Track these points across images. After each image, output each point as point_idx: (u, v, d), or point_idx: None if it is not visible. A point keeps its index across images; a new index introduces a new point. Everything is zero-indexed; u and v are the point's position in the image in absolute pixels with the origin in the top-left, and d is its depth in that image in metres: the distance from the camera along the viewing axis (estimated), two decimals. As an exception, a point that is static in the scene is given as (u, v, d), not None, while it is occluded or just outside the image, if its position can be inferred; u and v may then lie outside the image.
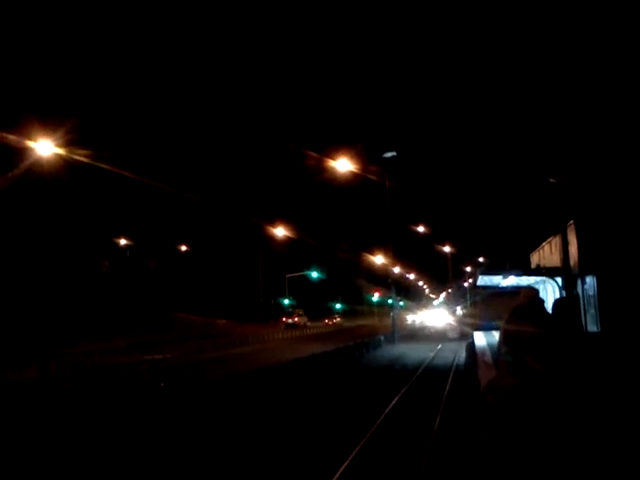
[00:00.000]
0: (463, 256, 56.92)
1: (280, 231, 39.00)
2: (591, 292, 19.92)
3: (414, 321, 63.16)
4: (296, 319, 51.92)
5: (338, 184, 32.16)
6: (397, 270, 55.96)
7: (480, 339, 23.61)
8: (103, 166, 22.24)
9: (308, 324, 53.63)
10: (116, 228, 38.51)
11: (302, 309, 54.90)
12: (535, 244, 30.36)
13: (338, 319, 64.53)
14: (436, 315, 64.24)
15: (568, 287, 18.01)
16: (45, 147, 17.98)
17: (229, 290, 44.37)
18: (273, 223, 39.35)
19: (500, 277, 24.04)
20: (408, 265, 62.25)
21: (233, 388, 15.63)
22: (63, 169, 21.35)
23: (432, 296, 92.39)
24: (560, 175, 18.15)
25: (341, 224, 49.49)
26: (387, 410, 12.77)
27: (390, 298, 56.82)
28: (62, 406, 14.69)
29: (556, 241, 22.98)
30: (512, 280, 23.55)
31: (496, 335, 22.20)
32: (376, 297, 63.40)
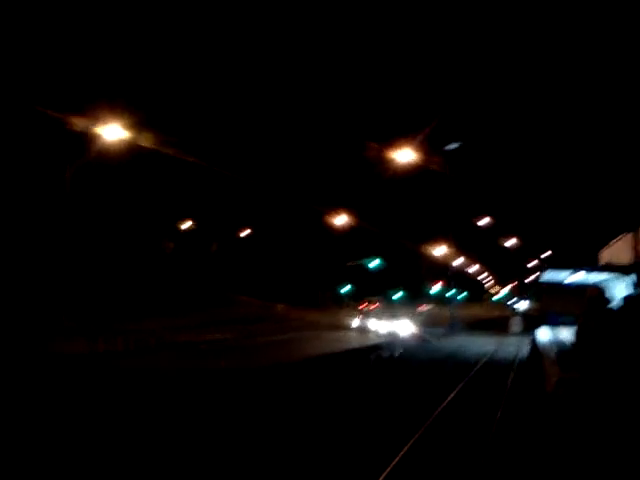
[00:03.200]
0: (527, 251, 55.57)
1: (341, 219, 38.96)
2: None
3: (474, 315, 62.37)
4: (371, 307, 51.67)
5: (401, 174, 31.80)
6: (458, 263, 55.12)
7: (545, 334, 23.07)
8: (169, 151, 22.55)
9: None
10: (180, 212, 39.23)
11: (377, 297, 54.10)
12: (604, 241, 29.36)
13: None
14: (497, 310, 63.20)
15: (641, 285, 17.35)
16: (112, 132, 18.31)
17: (288, 275, 44.68)
18: (334, 211, 39.30)
19: (567, 273, 23.37)
20: (469, 258, 61.21)
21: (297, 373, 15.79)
22: (130, 153, 21.74)
23: (492, 291, 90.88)
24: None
25: (402, 215, 49.02)
26: (440, 408, 12.51)
27: (449, 291, 56.14)
28: (126, 381, 15.01)
29: (628, 238, 22.16)
30: (579, 277, 22.85)
31: (561, 331, 21.72)
32: (435, 289, 62.65)
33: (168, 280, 34.61)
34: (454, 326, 40.94)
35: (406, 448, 8.88)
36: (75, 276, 24.64)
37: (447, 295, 55.33)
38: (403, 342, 26.28)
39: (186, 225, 40.40)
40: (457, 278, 53.88)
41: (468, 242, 54.01)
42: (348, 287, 53.71)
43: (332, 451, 8.96)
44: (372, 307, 51.02)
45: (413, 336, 30.24)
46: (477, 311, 62.33)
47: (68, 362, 17.69)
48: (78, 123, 17.85)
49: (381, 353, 23.48)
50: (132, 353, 21.48)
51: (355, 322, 36.65)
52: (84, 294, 26.51)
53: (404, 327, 32.42)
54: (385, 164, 29.85)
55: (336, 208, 39.83)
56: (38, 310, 22.43)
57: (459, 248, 51.65)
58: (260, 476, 7.91)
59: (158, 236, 37.10)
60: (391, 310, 42.30)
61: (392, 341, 26.41)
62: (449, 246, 48.14)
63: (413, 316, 40.25)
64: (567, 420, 9.36)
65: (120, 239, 31.93)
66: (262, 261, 43.54)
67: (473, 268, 67.89)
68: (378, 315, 34.31)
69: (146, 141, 21.58)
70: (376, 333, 31.65)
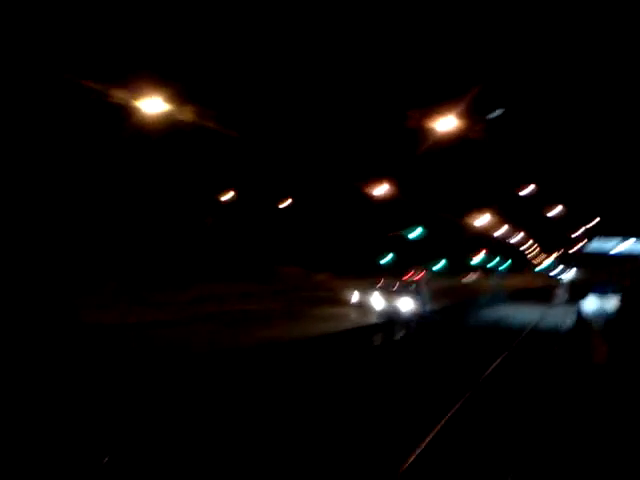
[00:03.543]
0: (573, 220, 54.38)
1: (381, 189, 38.67)
2: None
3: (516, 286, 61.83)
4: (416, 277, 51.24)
5: (443, 143, 31.31)
6: (501, 232, 54.43)
7: (590, 304, 22.69)
8: (209, 125, 22.56)
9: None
10: (222, 183, 39.45)
11: (421, 266, 53.41)
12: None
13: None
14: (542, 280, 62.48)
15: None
16: (153, 105, 18.34)
17: (330, 245, 44.75)
18: (375, 181, 39.04)
19: (614, 242, 22.92)
20: (513, 228, 60.31)
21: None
22: (172, 126, 21.81)
23: (536, 261, 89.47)
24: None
25: (444, 184, 48.40)
26: (486, 374, 12.51)
27: (492, 261, 55.64)
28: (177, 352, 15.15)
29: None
30: (626, 246, 22.38)
31: (607, 300, 21.32)
32: (477, 260, 62.08)
33: (210, 251, 35.01)
34: (497, 296, 40.60)
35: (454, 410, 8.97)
36: (114, 248, 24.99)
37: (490, 265, 54.87)
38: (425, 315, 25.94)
39: (227, 197, 40.67)
40: (500, 247, 53.28)
41: (512, 211, 53.15)
42: (390, 257, 53.50)
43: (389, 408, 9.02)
44: (417, 277, 50.65)
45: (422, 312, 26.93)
46: (520, 281, 61.64)
47: (103, 332, 17.43)
48: (118, 95, 17.94)
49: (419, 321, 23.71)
50: (181, 323, 21.45)
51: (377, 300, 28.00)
52: (124, 265, 26.90)
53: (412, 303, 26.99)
54: (426, 133, 29.44)
55: (377, 178, 39.58)
56: (77, 280, 22.36)
57: (503, 217, 50.95)
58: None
59: (200, 208, 37.46)
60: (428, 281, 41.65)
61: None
62: (492, 215, 47.52)
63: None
64: (614, 390, 9.23)
65: (161, 210, 32.32)
66: (304, 231, 43.69)
67: (516, 237, 66.91)
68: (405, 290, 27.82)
69: (187, 114, 21.66)
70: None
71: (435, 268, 56.11)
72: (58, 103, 21.05)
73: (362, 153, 40.24)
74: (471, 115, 28.33)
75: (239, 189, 40.42)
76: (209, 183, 36.12)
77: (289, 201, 43.30)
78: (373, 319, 24.11)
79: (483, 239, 54.05)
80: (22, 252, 20.44)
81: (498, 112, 34.26)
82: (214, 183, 37.75)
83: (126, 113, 19.13)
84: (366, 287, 29.30)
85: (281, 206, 44.35)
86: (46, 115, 21.14)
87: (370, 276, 33.51)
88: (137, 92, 18.45)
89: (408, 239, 53.19)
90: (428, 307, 27.73)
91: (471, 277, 56.11)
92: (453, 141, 30.58)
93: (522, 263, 78.17)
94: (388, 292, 26.95)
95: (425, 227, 51.55)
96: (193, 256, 33.45)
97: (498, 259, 51.37)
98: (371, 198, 40.92)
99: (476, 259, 61.28)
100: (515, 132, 34.57)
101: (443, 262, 57.85)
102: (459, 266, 58.69)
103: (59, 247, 22.53)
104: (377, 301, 26.79)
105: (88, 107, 21.16)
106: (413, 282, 30.92)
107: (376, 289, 27.85)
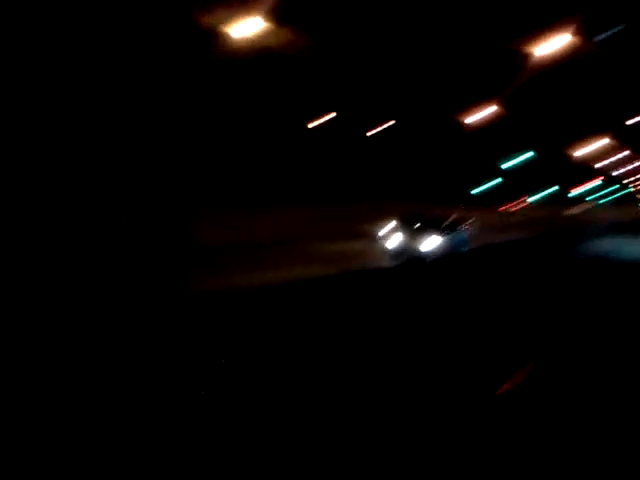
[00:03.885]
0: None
1: (481, 114, 37.31)
2: None
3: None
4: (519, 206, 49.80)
5: (551, 66, 29.54)
6: (612, 160, 51.45)
7: None
8: (302, 48, 22.16)
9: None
10: (320, 106, 39.18)
11: (526, 195, 51.61)
12: None
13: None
14: None
15: None
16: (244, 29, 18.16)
17: (430, 173, 43.96)
18: (480, 105, 37.63)
19: None
20: (627, 157, 56.74)
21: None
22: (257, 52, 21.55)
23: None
24: None
25: (554, 109, 45.89)
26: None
27: (601, 191, 52.91)
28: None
29: None
30: None
31: None
32: (584, 189, 59.22)
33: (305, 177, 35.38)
34: (604, 228, 38.96)
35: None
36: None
37: (598, 195, 52.29)
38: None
39: (326, 119, 40.46)
40: (610, 178, 50.50)
41: (626, 138, 49.98)
42: (493, 185, 51.96)
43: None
44: (519, 206, 49.17)
45: None
46: (630, 213, 58.46)
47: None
48: (207, 19, 17.87)
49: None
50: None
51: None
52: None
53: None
54: (534, 56, 28.09)
55: (482, 102, 38.13)
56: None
57: (617, 144, 48.15)
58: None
59: (291, 136, 37.58)
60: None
61: None
62: (604, 143, 45.06)
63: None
64: None
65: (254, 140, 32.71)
66: (403, 158, 43.06)
67: (630, 167, 63.09)
68: None
69: (281, 38, 21.40)
70: None
71: (535, 198, 54.20)
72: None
73: (465, 76, 38.60)
74: (582, 37, 26.58)
75: (338, 112, 40.06)
76: (302, 108, 36.06)
77: (391, 123, 42.39)
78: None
79: (595, 168, 51.42)
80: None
81: (614, 29, 31.65)
82: (312, 108, 37.61)
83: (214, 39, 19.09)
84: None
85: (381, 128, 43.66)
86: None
87: (459, 207, 32.73)
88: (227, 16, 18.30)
89: (513, 166, 51.30)
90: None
91: (577, 208, 53.85)
92: (563, 64, 28.96)
93: (628, 197, 73.89)
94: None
95: (529, 154, 49.51)
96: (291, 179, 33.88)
97: (604, 191, 48.75)
98: (475, 124, 39.58)
99: (581, 190, 58.48)
100: (630, 52, 31.96)
101: (545, 192, 55.68)
102: (562, 197, 56.30)
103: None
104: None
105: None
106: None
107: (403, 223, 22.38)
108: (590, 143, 44.94)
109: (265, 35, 19.81)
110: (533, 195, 54.05)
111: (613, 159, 51.93)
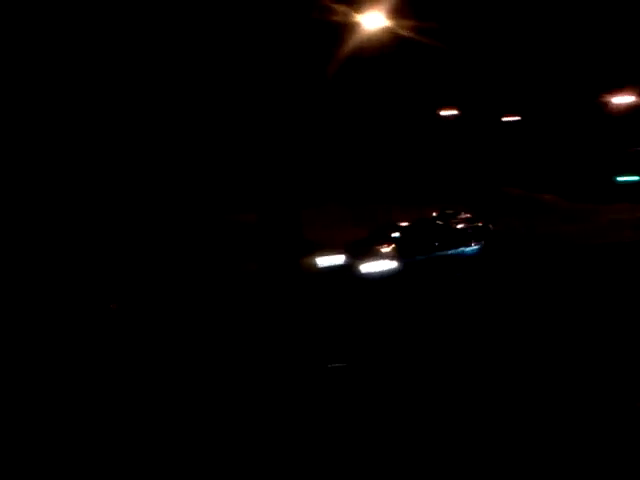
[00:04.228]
0: None
1: (623, 99, 34.88)
2: None
3: None
4: None
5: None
6: None
7: None
8: (428, 41, 21.47)
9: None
10: (443, 99, 38.32)
11: None
12: None
13: None
14: None
15: None
16: (373, 20, 17.67)
17: (558, 164, 41.83)
18: (615, 90, 35.18)
19: None
20: None
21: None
22: (392, 42, 21.06)
23: None
24: None
25: None
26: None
27: None
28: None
29: None
30: None
31: None
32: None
33: (427, 168, 34.67)
34: None
35: None
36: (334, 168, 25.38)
37: None
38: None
39: (449, 113, 39.51)
40: None
41: None
42: (631, 176, 48.45)
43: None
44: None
45: None
46: None
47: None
48: (335, 11, 17.60)
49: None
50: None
51: None
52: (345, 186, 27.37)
53: None
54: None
55: (618, 86, 35.67)
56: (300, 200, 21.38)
57: None
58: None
59: (422, 125, 36.90)
60: None
61: None
62: None
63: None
64: None
65: (381, 129, 32.33)
66: (528, 149, 41.23)
67: None
68: None
69: (407, 29, 20.83)
70: None
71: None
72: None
73: (600, 61, 36.24)
74: None
75: (461, 105, 38.90)
76: (431, 99, 35.33)
77: (515, 117, 40.84)
78: None
79: None
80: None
81: None
82: (436, 99, 36.74)
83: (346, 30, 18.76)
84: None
85: (505, 121, 42.01)
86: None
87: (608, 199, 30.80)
88: (356, 7, 17.91)
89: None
90: None
91: None
92: None
93: None
94: None
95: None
96: (409, 174, 33.27)
97: None
98: (609, 110, 37.11)
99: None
100: None
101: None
102: None
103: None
104: None
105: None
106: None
107: None
108: None
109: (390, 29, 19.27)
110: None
111: None
